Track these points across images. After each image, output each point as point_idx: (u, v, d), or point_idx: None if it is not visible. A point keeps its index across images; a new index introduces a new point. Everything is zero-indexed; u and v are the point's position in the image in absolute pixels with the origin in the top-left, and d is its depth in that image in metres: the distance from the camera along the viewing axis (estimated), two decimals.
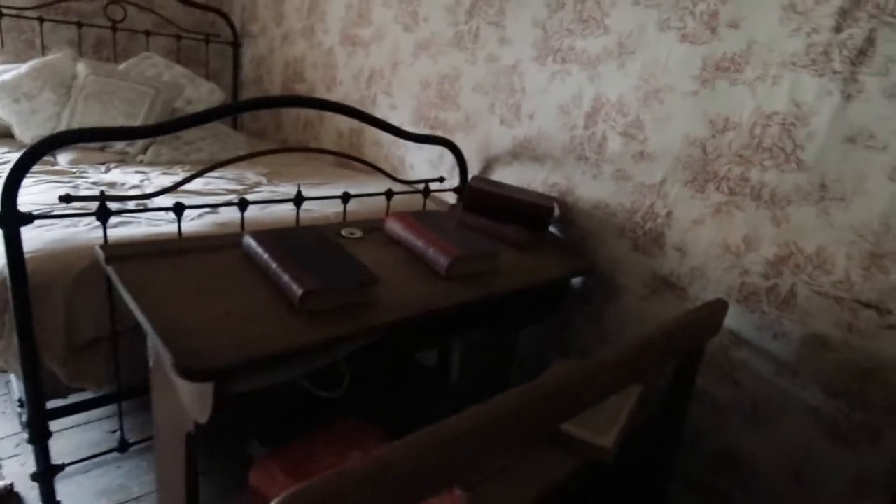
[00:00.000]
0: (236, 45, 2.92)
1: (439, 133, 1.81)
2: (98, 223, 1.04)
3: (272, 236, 0.99)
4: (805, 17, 1.08)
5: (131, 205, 1.26)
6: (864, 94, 1.03)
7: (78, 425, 1.51)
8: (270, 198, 1.49)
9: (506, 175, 1.68)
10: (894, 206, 1.01)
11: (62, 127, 1.97)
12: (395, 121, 1.85)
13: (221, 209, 1.40)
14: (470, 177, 1.67)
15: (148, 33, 2.68)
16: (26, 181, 0.98)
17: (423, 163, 1.95)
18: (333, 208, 1.51)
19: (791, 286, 1.15)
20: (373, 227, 1.27)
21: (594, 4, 1.41)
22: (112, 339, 1.11)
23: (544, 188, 1.59)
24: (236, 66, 2.96)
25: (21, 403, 1.17)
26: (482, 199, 1.49)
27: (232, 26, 2.89)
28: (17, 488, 1.30)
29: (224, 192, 1.66)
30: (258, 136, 2.81)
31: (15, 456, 1.41)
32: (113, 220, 1.10)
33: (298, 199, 1.33)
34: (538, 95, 1.57)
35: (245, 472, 1.02)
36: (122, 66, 2.29)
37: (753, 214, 1.19)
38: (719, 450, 1.30)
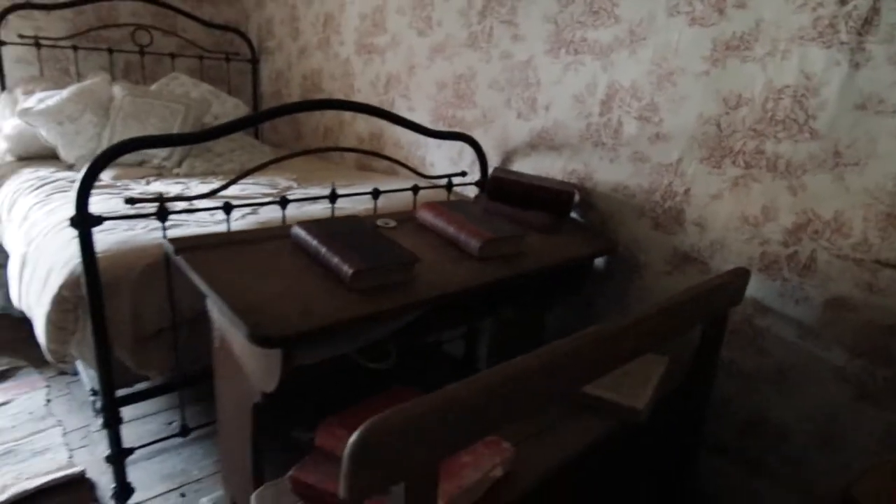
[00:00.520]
0: (254, 61, 3.06)
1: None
2: (151, 227, 1.13)
3: (318, 225, 1.07)
4: None
5: (180, 208, 1.36)
6: (871, 61, 1.07)
7: (138, 418, 1.61)
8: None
9: (524, 166, 1.75)
10: None
11: (104, 145, 2.08)
12: None
13: (261, 210, 1.50)
14: (490, 170, 1.74)
15: (173, 55, 2.84)
16: None
17: (443, 160, 2.03)
18: (363, 206, 1.60)
19: (811, 252, 1.19)
20: (405, 218, 1.35)
21: None
22: (174, 328, 1.20)
23: (563, 176, 1.65)
24: (255, 81, 3.10)
25: (94, 392, 1.27)
26: (505, 188, 1.56)
27: (250, 44, 3.03)
28: (88, 474, 1.41)
29: (260, 195, 1.76)
30: (279, 146, 2.93)
31: (84, 447, 1.52)
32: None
33: (333, 196, 1.43)
34: (553, 87, 1.63)
35: (293, 455, 1.09)
36: (153, 87, 2.42)
37: (770, 185, 1.23)
38: (747, 416, 1.34)
